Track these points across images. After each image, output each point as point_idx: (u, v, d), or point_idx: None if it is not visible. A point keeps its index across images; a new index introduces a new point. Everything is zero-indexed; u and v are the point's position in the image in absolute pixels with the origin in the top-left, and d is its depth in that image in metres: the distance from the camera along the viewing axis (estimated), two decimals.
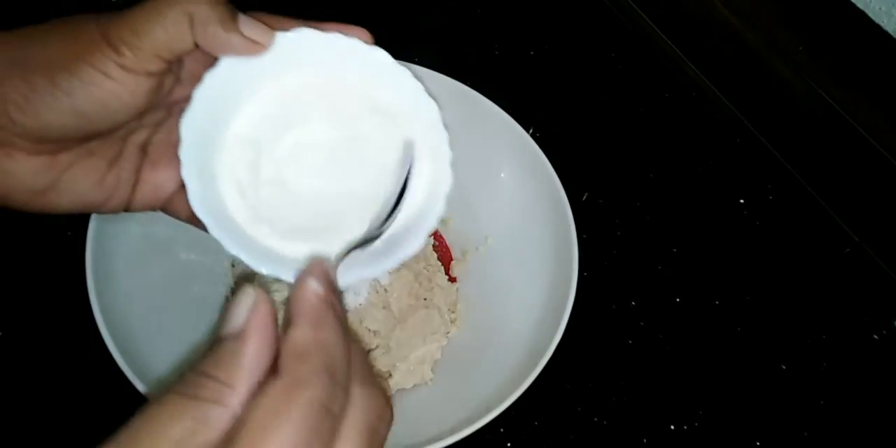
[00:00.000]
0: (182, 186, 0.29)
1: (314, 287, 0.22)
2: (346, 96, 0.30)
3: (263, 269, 0.28)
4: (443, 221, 0.53)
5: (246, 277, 0.47)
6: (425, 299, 0.49)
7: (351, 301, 0.46)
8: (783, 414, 0.50)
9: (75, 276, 0.40)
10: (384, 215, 0.29)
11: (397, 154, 0.30)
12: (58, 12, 0.28)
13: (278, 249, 0.29)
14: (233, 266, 0.49)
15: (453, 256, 0.52)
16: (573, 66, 0.65)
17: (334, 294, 0.23)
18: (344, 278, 0.26)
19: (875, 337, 0.54)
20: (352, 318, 0.45)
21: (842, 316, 0.54)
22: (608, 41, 0.67)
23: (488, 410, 0.38)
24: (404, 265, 0.48)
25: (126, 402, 0.40)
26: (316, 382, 0.20)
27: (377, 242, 0.29)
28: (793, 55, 0.57)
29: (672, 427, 0.48)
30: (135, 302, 0.41)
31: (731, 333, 0.53)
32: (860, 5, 0.52)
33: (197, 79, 0.28)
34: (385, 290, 0.47)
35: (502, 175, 0.50)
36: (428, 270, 0.50)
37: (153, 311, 0.42)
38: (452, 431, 0.38)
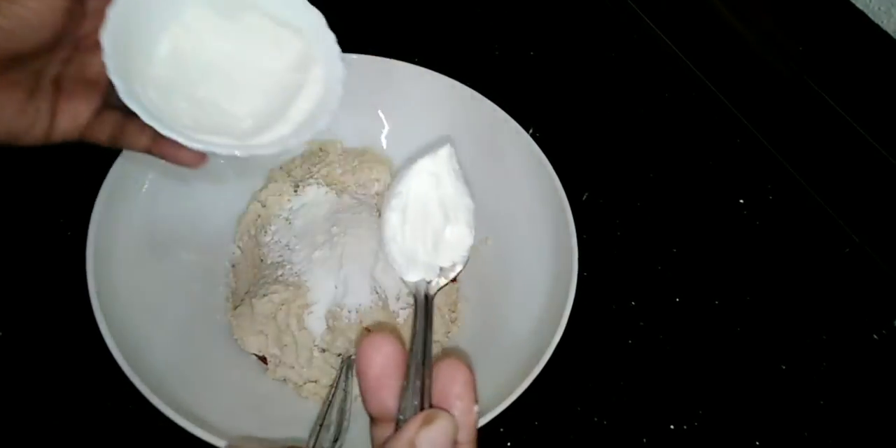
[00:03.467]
0: (96, 115, 0.34)
1: None
2: (242, 9, 0.35)
3: (196, 144, 0.32)
4: None
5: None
6: None
7: (351, 301, 0.46)
8: (783, 414, 0.50)
9: (75, 276, 0.40)
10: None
11: (289, 58, 0.36)
12: None
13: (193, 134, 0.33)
14: (233, 267, 0.49)
15: None
16: (573, 66, 0.65)
17: None
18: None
19: (875, 337, 0.54)
20: (352, 319, 0.45)
21: (842, 316, 0.54)
22: (608, 41, 0.67)
23: (488, 410, 0.38)
24: None
25: (126, 402, 0.40)
26: None
27: (290, 124, 0.35)
28: (793, 55, 0.57)
29: (672, 427, 0.48)
30: (135, 302, 0.41)
31: (731, 333, 0.53)
32: (860, 5, 0.52)
33: (100, 14, 0.31)
34: (385, 290, 0.47)
35: (502, 175, 0.50)
36: None
37: (153, 310, 0.42)
38: None
